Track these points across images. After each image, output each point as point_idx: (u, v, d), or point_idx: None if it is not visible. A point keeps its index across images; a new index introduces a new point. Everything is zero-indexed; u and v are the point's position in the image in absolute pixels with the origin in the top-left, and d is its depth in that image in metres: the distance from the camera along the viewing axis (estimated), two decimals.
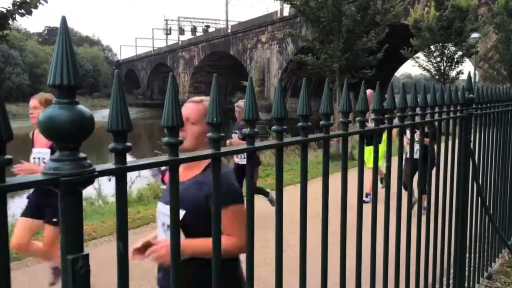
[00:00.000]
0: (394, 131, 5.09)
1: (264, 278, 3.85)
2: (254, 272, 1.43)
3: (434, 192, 2.66)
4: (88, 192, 8.14)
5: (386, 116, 2.13)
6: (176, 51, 56.57)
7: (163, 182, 5.41)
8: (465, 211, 3.16)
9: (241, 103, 6.25)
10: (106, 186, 8.33)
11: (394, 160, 2.31)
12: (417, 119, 2.43)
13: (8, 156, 0.84)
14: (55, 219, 3.72)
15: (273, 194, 6.09)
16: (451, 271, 3.12)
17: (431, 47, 18.37)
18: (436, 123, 2.77)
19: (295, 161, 11.58)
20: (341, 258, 1.84)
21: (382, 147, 6.32)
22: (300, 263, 1.61)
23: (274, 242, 1.51)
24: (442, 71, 18.99)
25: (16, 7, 5.78)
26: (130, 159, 1.04)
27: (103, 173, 0.98)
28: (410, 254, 2.40)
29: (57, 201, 0.89)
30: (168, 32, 71.53)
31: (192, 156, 1.33)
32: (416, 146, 5.36)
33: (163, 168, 4.75)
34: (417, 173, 3.92)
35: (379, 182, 6.59)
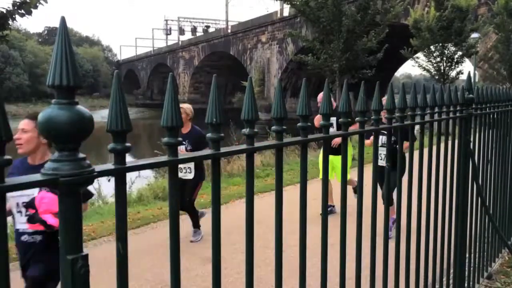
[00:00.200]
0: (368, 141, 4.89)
1: (264, 278, 3.85)
2: (254, 272, 1.43)
3: (434, 192, 2.66)
4: None
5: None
6: (176, 51, 56.55)
7: None
8: (465, 211, 3.16)
9: (184, 105, 5.23)
10: (106, 186, 8.32)
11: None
12: (417, 119, 2.42)
13: (7, 157, 0.84)
14: None
15: (207, 212, 5.71)
16: (451, 271, 3.12)
17: (431, 47, 18.39)
18: (436, 123, 2.77)
19: (294, 161, 11.58)
20: (341, 258, 1.84)
21: (349, 156, 5.80)
22: (300, 263, 1.61)
23: (274, 242, 1.51)
24: (442, 71, 19.01)
25: (16, 8, 5.78)
26: (129, 159, 1.04)
27: (103, 173, 0.99)
28: (410, 254, 2.40)
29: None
30: (168, 32, 71.53)
31: (192, 156, 1.33)
32: (382, 151, 4.58)
33: None
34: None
35: (352, 192, 6.07)
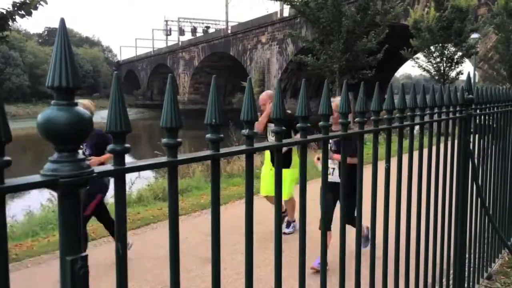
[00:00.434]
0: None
1: (263, 279, 3.85)
2: (254, 273, 1.43)
3: (434, 192, 2.66)
4: None
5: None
6: (176, 51, 56.55)
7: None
8: (465, 211, 3.16)
9: (85, 101, 4.22)
10: None
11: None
12: (417, 119, 2.42)
13: (7, 158, 0.84)
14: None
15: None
16: (451, 271, 3.12)
17: (431, 47, 18.40)
18: (437, 125, 2.77)
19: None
20: (341, 259, 1.84)
21: (291, 172, 5.24)
22: (299, 263, 1.61)
23: (274, 242, 1.51)
24: (442, 71, 19.01)
25: (16, 8, 5.78)
26: (129, 160, 1.04)
27: (102, 174, 0.99)
28: (409, 254, 2.40)
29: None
30: (168, 32, 71.56)
31: (191, 157, 1.33)
32: (332, 165, 4.05)
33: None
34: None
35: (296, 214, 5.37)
